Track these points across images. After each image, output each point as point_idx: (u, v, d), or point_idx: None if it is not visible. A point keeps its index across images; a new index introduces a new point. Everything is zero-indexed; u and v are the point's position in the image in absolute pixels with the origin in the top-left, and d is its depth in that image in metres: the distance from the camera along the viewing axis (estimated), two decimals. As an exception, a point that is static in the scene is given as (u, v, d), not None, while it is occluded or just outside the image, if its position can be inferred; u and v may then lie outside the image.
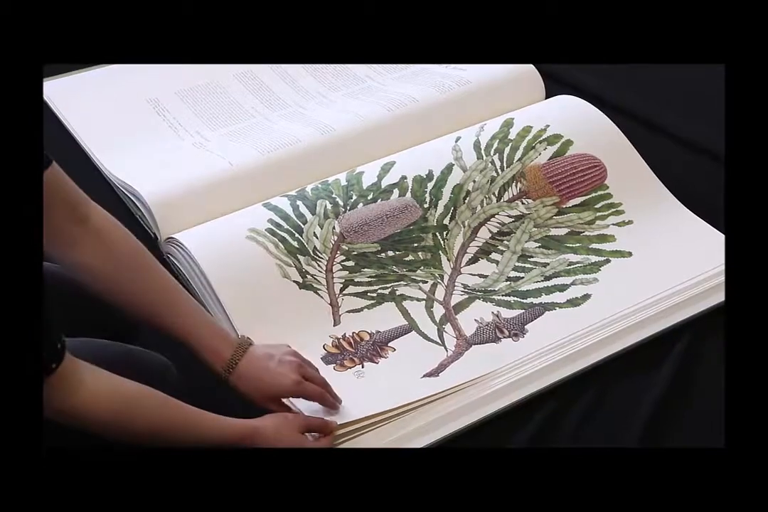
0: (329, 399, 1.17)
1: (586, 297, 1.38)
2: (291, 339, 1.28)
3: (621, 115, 1.67)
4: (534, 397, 1.24)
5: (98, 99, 1.74)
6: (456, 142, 1.54)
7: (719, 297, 1.35)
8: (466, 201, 1.47)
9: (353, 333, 1.34)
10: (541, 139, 1.55)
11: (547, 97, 1.71)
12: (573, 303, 1.38)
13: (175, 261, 1.38)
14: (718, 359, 1.22)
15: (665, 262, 1.43)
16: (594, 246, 1.47)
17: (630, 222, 1.51)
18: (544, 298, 1.39)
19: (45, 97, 1.73)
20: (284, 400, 1.16)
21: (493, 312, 1.36)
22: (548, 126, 1.56)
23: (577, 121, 1.60)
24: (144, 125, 1.67)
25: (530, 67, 1.72)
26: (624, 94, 1.79)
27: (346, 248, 1.40)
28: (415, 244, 1.43)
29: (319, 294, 1.36)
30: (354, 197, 1.44)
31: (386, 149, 1.56)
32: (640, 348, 1.31)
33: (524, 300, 1.38)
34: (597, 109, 1.62)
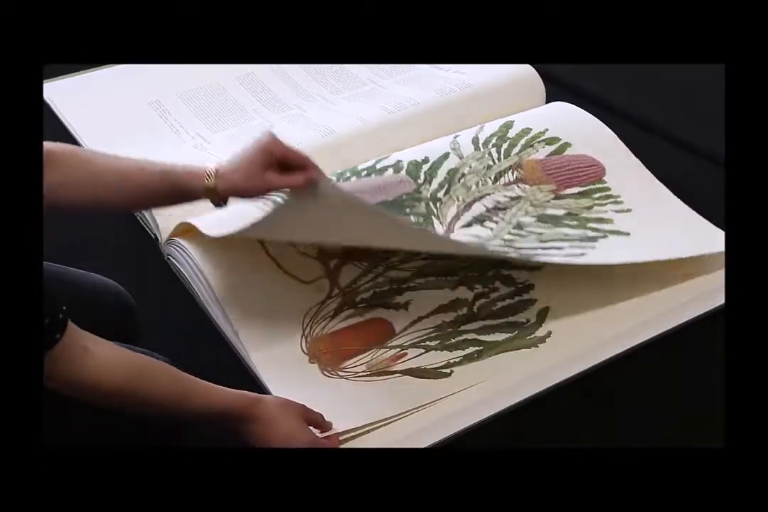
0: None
1: (583, 256, 1.38)
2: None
3: (621, 117, 1.67)
4: (534, 397, 1.24)
5: (100, 100, 1.75)
6: (454, 138, 1.54)
7: (720, 299, 1.34)
8: (461, 181, 1.47)
9: None
10: (540, 139, 1.55)
11: (548, 100, 1.72)
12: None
13: (176, 263, 1.38)
14: (718, 359, 1.23)
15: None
16: (592, 225, 1.46)
17: (629, 210, 1.50)
18: (540, 252, 1.38)
19: (47, 99, 1.74)
20: None
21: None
22: (547, 130, 1.57)
23: (575, 128, 1.60)
24: (145, 127, 1.67)
25: (531, 70, 1.72)
26: (624, 95, 1.79)
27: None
28: (407, 210, 1.43)
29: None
30: (347, 175, 1.45)
31: (387, 151, 1.55)
32: (641, 348, 1.31)
33: (520, 251, 1.38)
34: (594, 117, 1.62)
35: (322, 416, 1.15)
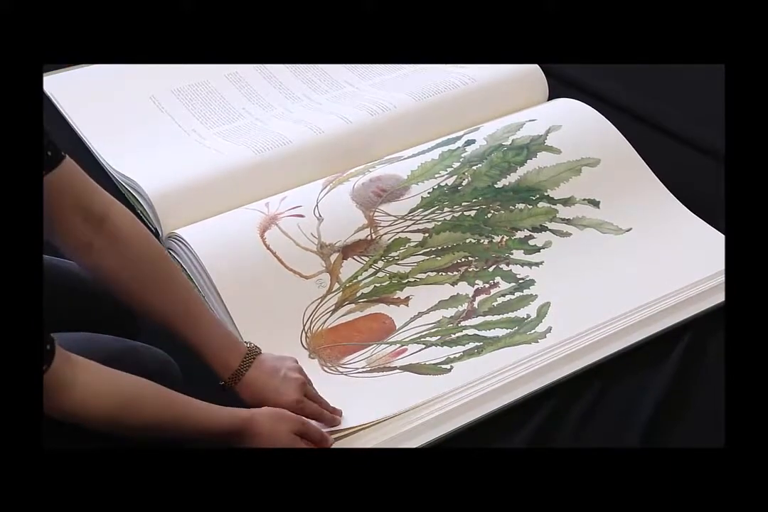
0: (328, 417, 1.17)
1: None
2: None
3: (622, 114, 1.67)
4: (534, 397, 1.24)
5: (100, 93, 1.74)
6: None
7: (719, 297, 1.35)
8: None
9: None
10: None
11: (550, 96, 1.71)
12: None
13: (177, 257, 1.38)
14: (719, 359, 1.23)
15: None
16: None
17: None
18: None
19: (47, 92, 1.73)
20: None
21: None
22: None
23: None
24: (146, 120, 1.66)
25: (534, 66, 1.70)
26: (625, 93, 1.78)
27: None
28: None
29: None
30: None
31: (384, 149, 1.56)
32: (641, 347, 1.31)
33: None
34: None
35: (321, 433, 1.14)
